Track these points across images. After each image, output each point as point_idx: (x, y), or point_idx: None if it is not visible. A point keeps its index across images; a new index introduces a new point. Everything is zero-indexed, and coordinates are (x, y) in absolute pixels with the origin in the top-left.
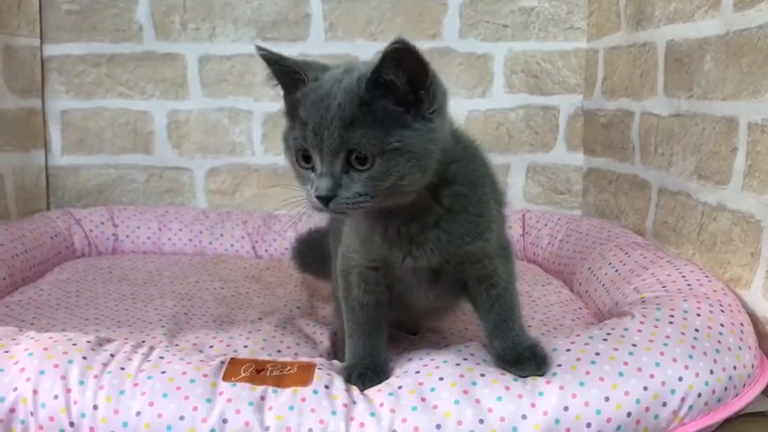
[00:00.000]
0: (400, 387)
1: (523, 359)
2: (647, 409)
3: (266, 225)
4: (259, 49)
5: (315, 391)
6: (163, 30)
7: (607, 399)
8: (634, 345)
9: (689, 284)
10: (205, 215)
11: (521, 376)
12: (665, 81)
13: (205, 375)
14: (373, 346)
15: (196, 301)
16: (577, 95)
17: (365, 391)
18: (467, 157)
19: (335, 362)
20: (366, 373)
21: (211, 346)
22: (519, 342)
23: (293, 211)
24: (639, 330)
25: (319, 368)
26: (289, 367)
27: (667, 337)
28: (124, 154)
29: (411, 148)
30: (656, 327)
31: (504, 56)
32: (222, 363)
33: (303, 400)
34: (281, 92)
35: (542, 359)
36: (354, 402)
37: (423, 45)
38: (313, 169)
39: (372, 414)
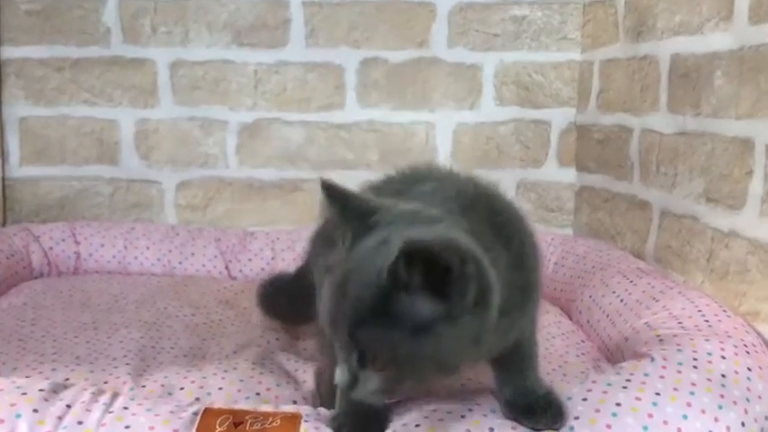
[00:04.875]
0: None
1: (537, 409)
2: None
3: (241, 243)
4: (325, 186)
5: None
6: (132, 33)
7: None
8: (657, 393)
9: (706, 320)
10: (175, 232)
11: (534, 429)
12: (669, 97)
13: (175, 431)
14: None
15: (164, 331)
16: (570, 109)
17: None
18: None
19: (322, 410)
20: (360, 425)
21: (182, 388)
22: (533, 389)
23: (270, 228)
24: (662, 377)
25: (305, 420)
26: (271, 419)
27: (693, 384)
28: (88, 165)
29: (430, 353)
30: (679, 372)
31: (495, 66)
32: (195, 414)
33: None
34: (259, 102)
35: (558, 410)
36: None
37: (409, 54)
38: None
39: None
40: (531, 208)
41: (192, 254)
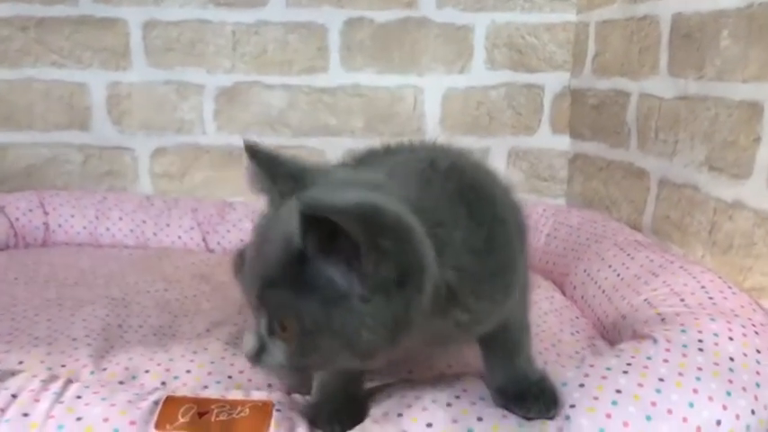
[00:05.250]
0: None
1: (529, 396)
2: None
3: (219, 214)
4: (250, 148)
5: None
6: None
7: None
8: (661, 379)
9: (711, 298)
10: (149, 202)
11: (526, 418)
12: (670, 59)
13: (132, 423)
14: (349, 378)
15: (133, 308)
16: (564, 73)
17: None
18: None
19: (297, 397)
20: (337, 415)
21: (147, 371)
22: (525, 375)
23: (250, 198)
24: (666, 360)
25: (277, 409)
26: (239, 408)
27: (699, 368)
28: (58, 131)
29: (340, 329)
30: (684, 355)
31: (486, 28)
32: (155, 403)
33: None
34: (238, 65)
35: (552, 398)
36: None
37: (396, 14)
38: None
39: None
40: (523, 177)
41: (168, 225)
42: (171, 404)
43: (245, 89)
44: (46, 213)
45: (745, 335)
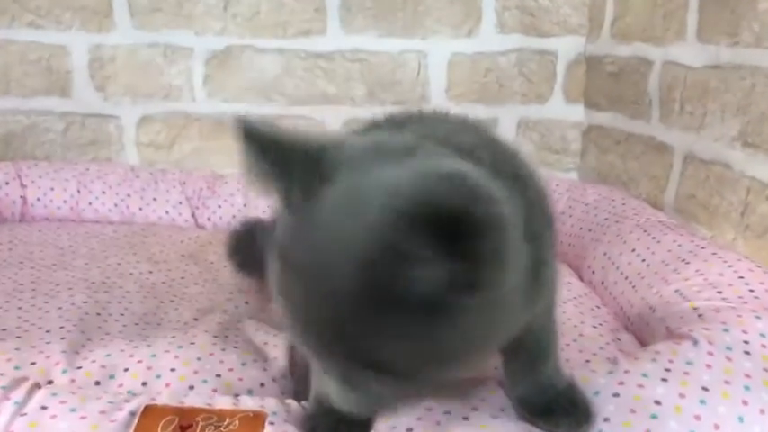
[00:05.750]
0: None
1: (558, 409)
2: None
3: (210, 187)
4: (243, 128)
5: None
6: None
7: None
8: (705, 388)
9: (751, 290)
10: (135, 174)
11: None
12: (699, 23)
13: None
14: None
15: (115, 293)
16: (580, 38)
17: None
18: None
19: (292, 403)
20: (338, 429)
21: (126, 369)
22: (551, 383)
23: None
24: (709, 365)
25: (270, 422)
26: (228, 420)
27: (747, 376)
28: (36, 97)
29: (459, 335)
30: (729, 359)
31: None
32: (133, 414)
33: None
34: (229, 27)
35: (584, 411)
36: None
37: None
38: None
39: None
40: (533, 149)
41: (154, 199)
42: (150, 415)
43: (236, 53)
44: (23, 186)
45: None
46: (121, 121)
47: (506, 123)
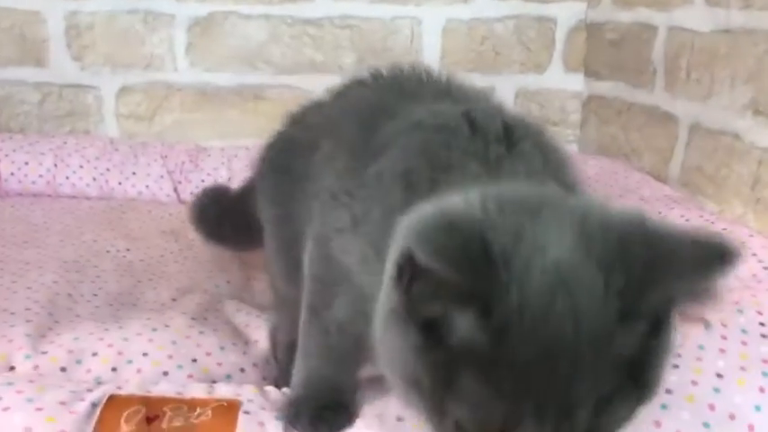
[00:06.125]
0: None
1: None
2: None
3: (192, 161)
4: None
5: None
6: None
7: None
8: (719, 375)
9: (765, 267)
10: (114, 147)
11: None
12: None
13: None
14: (341, 373)
15: (88, 272)
16: (580, 4)
17: None
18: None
19: (271, 390)
20: (320, 417)
21: (95, 354)
22: None
23: (227, 143)
24: (722, 350)
25: (245, 411)
26: (199, 410)
27: (765, 361)
28: (10, 67)
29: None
30: (744, 343)
31: None
32: (95, 405)
33: None
34: None
35: None
36: None
37: None
38: None
39: None
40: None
41: (134, 173)
42: (113, 406)
43: (220, 19)
44: None
45: None
46: (100, 92)
47: (503, 93)
